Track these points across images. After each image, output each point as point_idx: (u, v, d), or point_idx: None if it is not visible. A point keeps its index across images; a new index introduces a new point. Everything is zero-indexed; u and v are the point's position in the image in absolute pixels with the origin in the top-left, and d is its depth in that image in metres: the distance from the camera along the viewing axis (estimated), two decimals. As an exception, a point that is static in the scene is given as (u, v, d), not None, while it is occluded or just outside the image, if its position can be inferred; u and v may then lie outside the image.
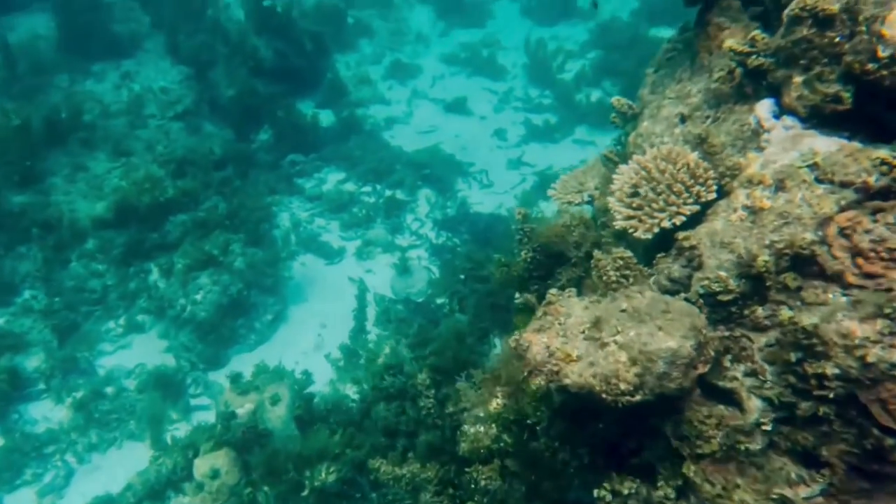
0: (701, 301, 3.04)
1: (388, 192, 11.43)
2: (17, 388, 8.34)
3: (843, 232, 2.74)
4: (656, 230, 3.40)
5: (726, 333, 3.01)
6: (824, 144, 3.16)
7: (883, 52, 2.78)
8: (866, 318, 2.44)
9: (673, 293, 3.20)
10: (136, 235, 9.58)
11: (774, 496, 2.71)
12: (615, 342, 2.99)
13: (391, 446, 5.60)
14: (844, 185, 2.94)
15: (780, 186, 3.08)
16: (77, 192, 9.90)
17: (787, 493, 2.68)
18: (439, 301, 8.69)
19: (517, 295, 4.64)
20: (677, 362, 2.81)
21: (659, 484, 3.05)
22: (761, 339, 2.90)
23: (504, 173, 12.11)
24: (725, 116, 3.73)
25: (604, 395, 2.89)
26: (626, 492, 3.14)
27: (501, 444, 3.48)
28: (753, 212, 3.10)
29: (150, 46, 13.41)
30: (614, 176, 3.75)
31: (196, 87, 12.94)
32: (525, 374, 3.08)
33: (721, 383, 2.90)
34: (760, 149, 3.40)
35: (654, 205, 3.46)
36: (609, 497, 3.15)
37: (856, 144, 3.07)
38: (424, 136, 13.46)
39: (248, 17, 14.09)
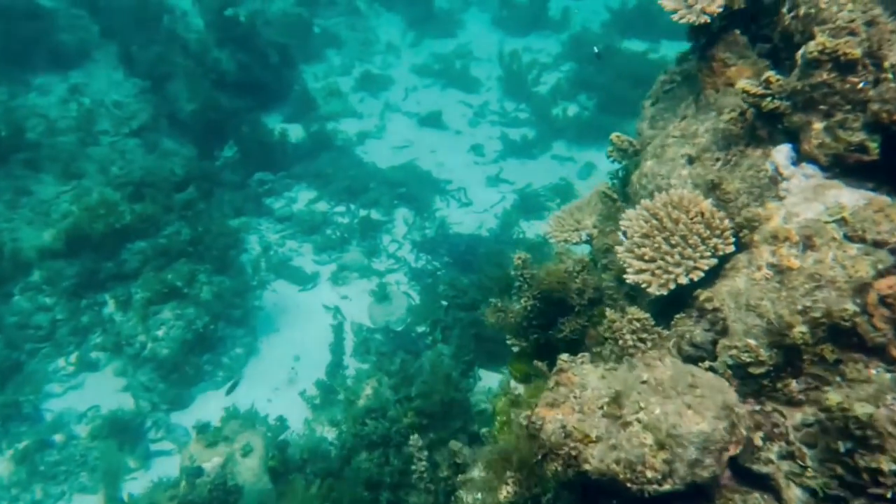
0: (729, 372, 2.78)
1: (362, 212, 11.01)
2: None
3: (884, 301, 2.52)
4: (672, 286, 3.14)
5: (756, 407, 2.76)
6: (850, 197, 2.95)
7: (920, 104, 2.57)
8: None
9: (696, 360, 2.94)
10: (89, 265, 8.91)
11: None
12: (638, 420, 2.70)
13: (374, 501, 5.22)
14: (878, 244, 2.73)
15: (807, 244, 2.85)
16: (21, 219, 9.14)
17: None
18: (420, 329, 8.33)
19: (512, 339, 4.34)
20: (710, 448, 2.53)
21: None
22: (796, 416, 2.66)
23: (483, 191, 11.83)
24: (737, 160, 3.50)
25: (628, 484, 2.59)
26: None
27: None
28: (780, 271, 2.86)
29: (99, 57, 12.61)
30: (622, 223, 3.49)
31: (153, 100, 12.25)
32: (539, 457, 2.76)
33: (755, 467, 2.64)
34: (779, 198, 3.18)
35: (669, 258, 3.20)
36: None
37: (885, 198, 2.87)
38: (399, 151, 13.09)
39: (209, 27, 13.48)
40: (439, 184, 11.96)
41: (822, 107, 3.06)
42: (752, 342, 2.74)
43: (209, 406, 7.76)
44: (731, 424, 2.60)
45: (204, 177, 11.18)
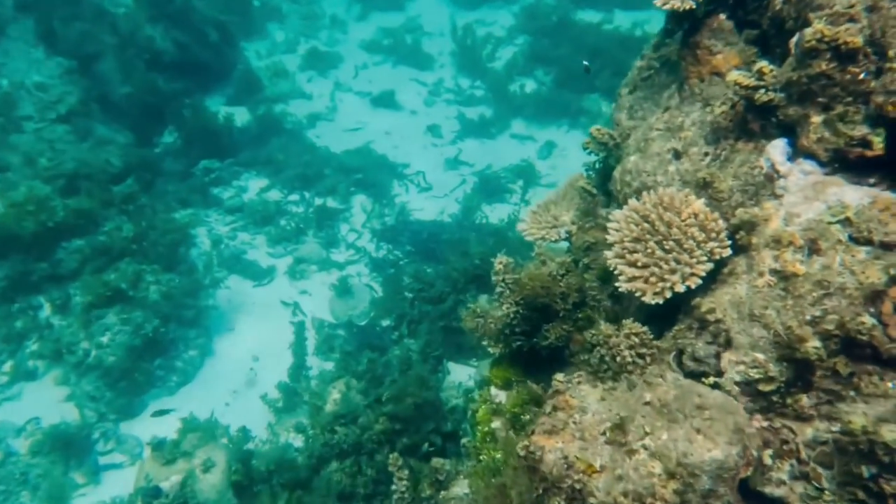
0: (736, 389, 2.62)
1: (318, 201, 10.49)
2: None
3: (899, 310, 2.39)
4: (668, 295, 2.95)
5: (765, 424, 2.61)
6: (853, 195, 2.80)
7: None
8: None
9: (698, 375, 2.77)
10: (19, 267, 8.14)
11: None
12: (644, 447, 2.52)
13: (350, 514, 4.96)
14: (887, 246, 2.59)
15: (812, 248, 2.69)
16: (-64, 220, 8.23)
17: None
18: (385, 323, 8.02)
19: (492, 345, 4.11)
20: (724, 476, 2.38)
21: None
22: (806, 431, 2.53)
23: (442, 174, 11.47)
24: (727, 155, 3.31)
25: (638, 517, 2.41)
26: None
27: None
28: (784, 277, 2.70)
29: (14, 33, 11.42)
30: (609, 226, 3.26)
31: (81, 82, 11.23)
32: (540, 491, 2.54)
33: (767, 490, 2.50)
34: (776, 196, 3.01)
35: (664, 264, 3.00)
36: None
37: (889, 196, 2.73)
38: (352, 133, 12.53)
39: (139, 3, 12.41)
40: (397, 168, 11.53)
41: (820, 99, 2.89)
42: (760, 357, 2.58)
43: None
44: (744, 447, 2.45)
45: (144, 166, 10.38)
